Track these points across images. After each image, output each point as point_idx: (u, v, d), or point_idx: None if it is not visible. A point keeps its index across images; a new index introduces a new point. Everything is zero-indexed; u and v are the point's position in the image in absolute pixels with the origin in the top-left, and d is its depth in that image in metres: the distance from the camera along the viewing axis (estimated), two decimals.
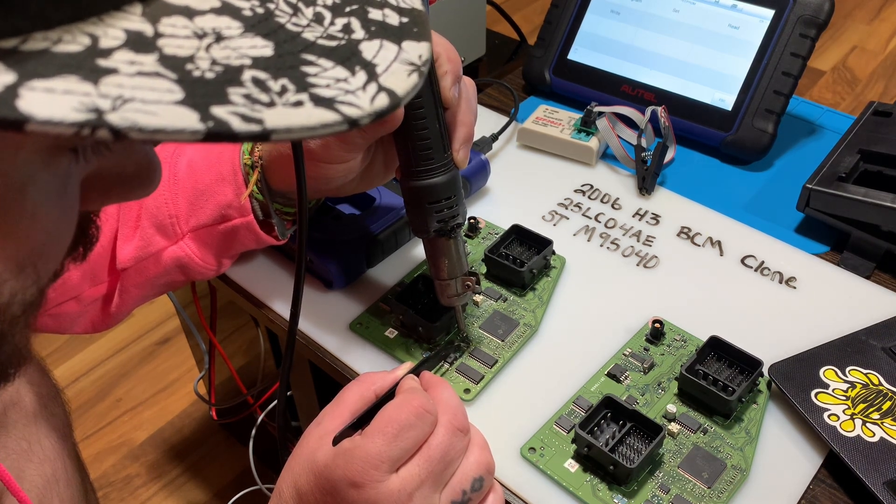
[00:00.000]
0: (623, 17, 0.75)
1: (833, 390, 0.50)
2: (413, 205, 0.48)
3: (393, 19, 0.28)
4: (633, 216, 0.65)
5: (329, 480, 0.41)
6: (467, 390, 0.52)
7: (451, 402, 0.42)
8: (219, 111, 0.22)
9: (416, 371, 0.45)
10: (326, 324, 0.57)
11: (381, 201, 0.61)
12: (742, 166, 0.71)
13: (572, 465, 0.48)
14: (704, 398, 0.50)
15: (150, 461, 1.10)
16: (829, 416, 0.49)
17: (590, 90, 0.75)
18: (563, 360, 0.54)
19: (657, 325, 0.54)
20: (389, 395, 0.43)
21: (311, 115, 0.24)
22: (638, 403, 0.51)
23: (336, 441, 0.42)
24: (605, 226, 0.64)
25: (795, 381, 0.51)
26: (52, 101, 0.20)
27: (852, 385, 0.50)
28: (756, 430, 0.49)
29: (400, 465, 0.40)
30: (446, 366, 0.53)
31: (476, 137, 0.71)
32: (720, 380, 0.50)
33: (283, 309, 0.58)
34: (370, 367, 0.54)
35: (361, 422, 0.42)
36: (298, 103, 0.23)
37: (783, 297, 0.58)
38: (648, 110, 0.70)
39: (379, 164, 0.53)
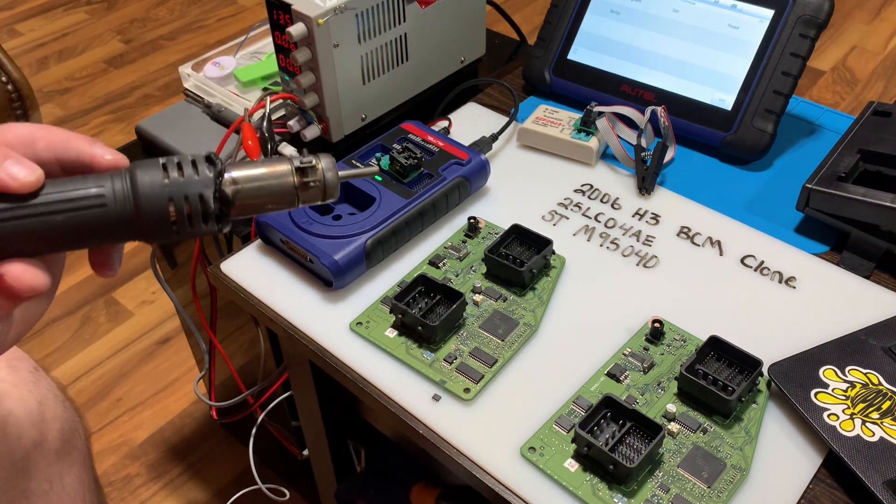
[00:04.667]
0: (623, 17, 0.75)
1: (833, 390, 0.50)
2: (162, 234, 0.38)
3: None
4: (633, 216, 0.65)
5: None
6: (467, 390, 0.52)
7: None
8: None
9: None
10: (326, 324, 0.57)
11: (381, 201, 0.61)
12: (742, 166, 0.71)
13: (572, 465, 0.48)
14: (704, 398, 0.50)
15: (150, 461, 1.10)
16: (828, 416, 0.49)
17: (590, 90, 0.75)
18: (563, 359, 0.54)
19: (657, 324, 0.55)
20: None
21: None
22: (638, 403, 0.51)
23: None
24: (605, 226, 0.64)
25: (795, 380, 0.51)
26: None
27: (852, 385, 0.50)
28: (756, 430, 0.49)
29: None
30: (447, 366, 0.53)
31: (476, 137, 0.71)
32: (720, 379, 0.50)
33: (283, 309, 0.58)
34: (370, 366, 0.54)
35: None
36: None
37: (783, 297, 0.58)
38: (648, 110, 0.70)
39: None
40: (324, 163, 0.39)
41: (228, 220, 0.38)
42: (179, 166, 0.37)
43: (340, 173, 0.40)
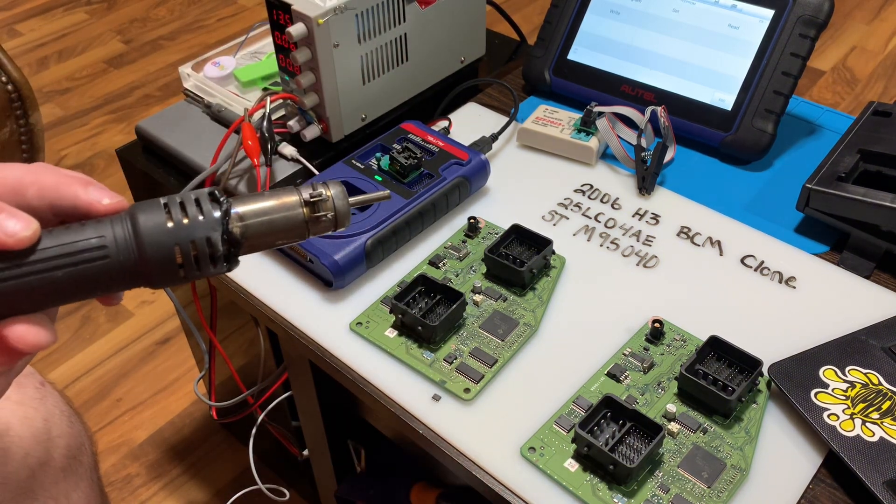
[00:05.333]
0: (623, 17, 0.75)
1: (833, 390, 0.50)
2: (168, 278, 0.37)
3: None
4: (633, 216, 0.65)
5: None
6: (467, 390, 0.52)
7: None
8: None
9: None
10: (326, 324, 0.57)
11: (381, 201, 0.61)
12: (742, 166, 0.71)
13: (572, 465, 0.48)
14: (704, 398, 0.50)
15: (150, 461, 1.10)
16: (828, 416, 0.49)
17: (590, 90, 0.75)
18: (563, 359, 0.54)
19: (657, 324, 0.55)
20: None
21: None
22: (638, 403, 0.51)
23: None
24: (605, 226, 0.64)
25: (795, 380, 0.51)
26: None
27: (852, 385, 0.50)
28: (756, 430, 0.49)
29: None
30: (447, 366, 0.53)
31: (476, 137, 0.71)
32: (720, 379, 0.50)
33: (283, 309, 0.58)
34: (370, 366, 0.54)
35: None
36: None
37: (783, 297, 0.58)
38: (648, 110, 0.70)
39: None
40: (333, 192, 0.37)
41: (237, 259, 0.36)
42: (182, 206, 0.35)
43: (350, 200, 0.38)
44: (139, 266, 0.34)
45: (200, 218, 0.35)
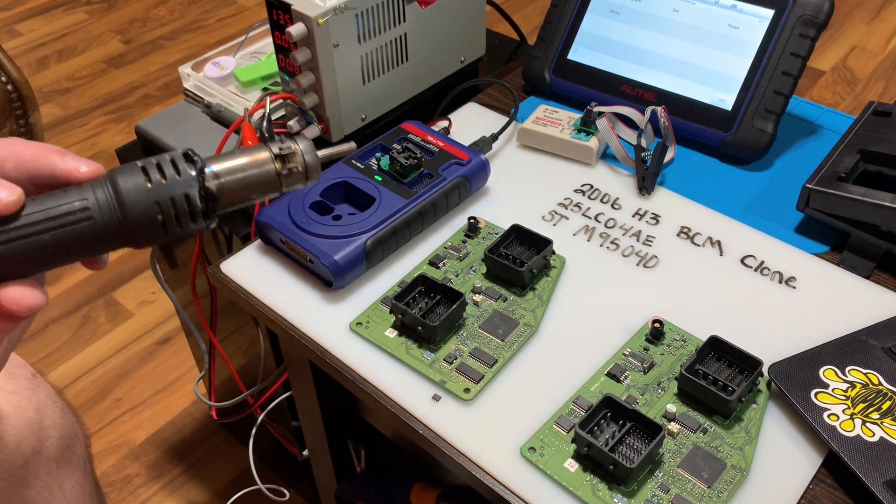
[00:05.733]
0: (623, 17, 0.75)
1: (833, 390, 0.50)
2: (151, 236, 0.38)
3: None
4: (633, 216, 0.65)
5: None
6: (467, 390, 0.52)
7: None
8: None
9: None
10: (326, 324, 0.57)
11: (381, 201, 0.61)
12: (742, 166, 0.71)
13: (572, 465, 0.48)
14: (704, 398, 0.50)
15: (150, 461, 1.10)
16: (828, 416, 0.49)
17: (590, 90, 0.75)
18: (563, 359, 0.54)
19: (657, 324, 0.55)
20: None
21: None
22: (638, 403, 0.51)
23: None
24: (605, 226, 0.64)
25: (795, 380, 0.51)
26: None
27: (852, 385, 0.50)
28: (756, 430, 0.49)
29: None
30: (447, 366, 0.53)
31: (476, 137, 0.71)
32: (720, 379, 0.50)
33: (283, 309, 0.58)
34: (370, 367, 0.54)
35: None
36: None
37: (783, 297, 0.58)
38: (648, 110, 0.70)
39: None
40: (302, 146, 0.39)
41: (216, 215, 0.38)
42: (160, 167, 0.36)
43: (319, 153, 0.40)
44: (123, 227, 0.36)
45: (177, 177, 0.36)
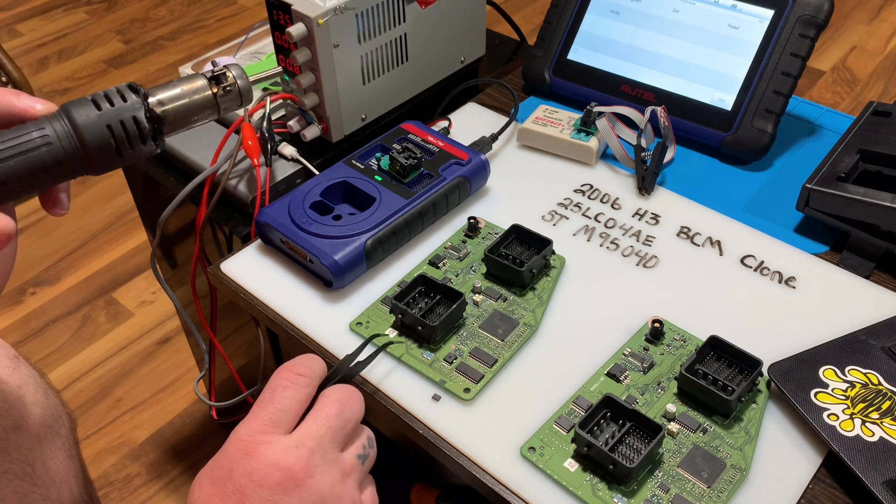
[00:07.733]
0: (622, 17, 0.75)
1: (832, 390, 0.50)
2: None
3: None
4: (633, 216, 0.65)
5: (224, 465, 0.40)
6: (467, 390, 0.52)
7: None
8: None
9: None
10: (326, 324, 0.57)
11: (381, 201, 0.61)
12: (742, 166, 0.71)
13: (572, 465, 0.48)
14: (704, 398, 0.50)
15: (150, 461, 1.10)
16: (828, 416, 0.49)
17: (590, 90, 0.75)
18: (563, 359, 0.54)
19: (657, 324, 0.55)
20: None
21: None
22: (637, 403, 0.51)
23: None
24: (605, 226, 0.64)
25: (795, 380, 0.51)
26: None
27: (852, 385, 0.50)
28: (755, 430, 0.49)
29: (293, 426, 0.42)
30: (447, 366, 0.53)
31: (476, 137, 0.71)
32: (720, 379, 0.50)
33: (283, 309, 0.58)
34: (370, 366, 0.54)
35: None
36: None
37: (783, 297, 0.58)
38: (648, 110, 0.70)
39: None
40: (234, 71, 0.46)
41: (163, 137, 0.44)
42: (107, 97, 0.41)
43: (251, 77, 0.46)
44: (80, 151, 0.40)
45: (124, 103, 0.42)
